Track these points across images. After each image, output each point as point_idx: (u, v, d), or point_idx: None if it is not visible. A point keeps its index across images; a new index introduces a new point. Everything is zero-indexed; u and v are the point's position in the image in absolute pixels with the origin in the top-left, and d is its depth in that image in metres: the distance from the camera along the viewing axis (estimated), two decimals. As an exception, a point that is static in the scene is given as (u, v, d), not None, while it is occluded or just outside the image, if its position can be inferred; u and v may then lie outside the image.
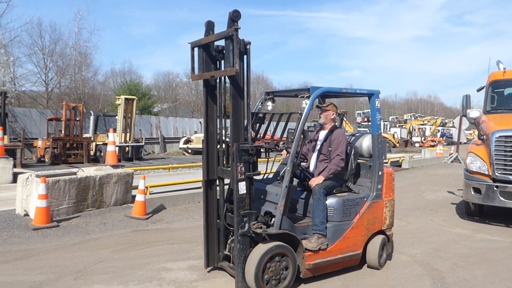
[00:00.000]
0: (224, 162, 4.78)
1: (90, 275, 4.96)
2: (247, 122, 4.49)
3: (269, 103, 5.55)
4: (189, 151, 25.96)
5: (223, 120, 4.81)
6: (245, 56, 4.39)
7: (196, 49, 4.67)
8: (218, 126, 4.83)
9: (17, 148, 15.67)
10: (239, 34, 4.11)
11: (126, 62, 60.59)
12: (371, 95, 5.24)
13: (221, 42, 4.53)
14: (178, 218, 8.20)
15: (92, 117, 20.54)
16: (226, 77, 4.55)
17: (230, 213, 4.72)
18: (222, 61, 4.71)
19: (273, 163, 5.18)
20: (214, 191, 4.94)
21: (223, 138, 4.82)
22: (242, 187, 4.31)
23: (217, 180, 4.91)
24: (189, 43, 4.67)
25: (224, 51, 4.54)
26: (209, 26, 4.59)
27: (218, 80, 4.77)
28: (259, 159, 4.58)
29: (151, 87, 45.64)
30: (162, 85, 52.90)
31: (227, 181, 4.79)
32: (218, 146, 4.84)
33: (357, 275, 5.10)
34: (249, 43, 4.36)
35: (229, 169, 4.51)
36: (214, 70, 4.72)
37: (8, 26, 28.33)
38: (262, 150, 4.73)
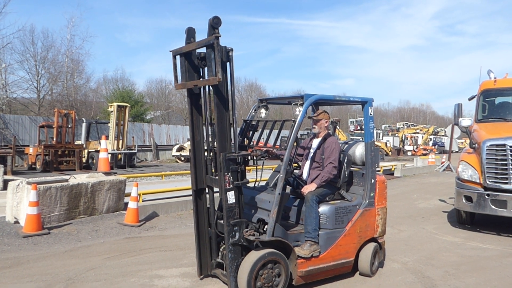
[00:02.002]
0: (213, 170, 4.70)
1: (81, 282, 4.91)
2: (233, 130, 4.41)
3: (263, 111, 5.55)
4: (182, 158, 25.90)
5: (209, 128, 4.71)
6: (228, 64, 4.27)
7: (178, 57, 4.53)
8: (204, 135, 4.74)
9: (8, 155, 15.55)
10: (220, 41, 3.97)
11: (118, 69, 60.67)
12: (364, 103, 5.27)
13: (204, 49, 4.39)
14: (171, 225, 8.17)
15: (84, 124, 20.45)
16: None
17: (221, 221, 4.69)
18: (206, 68, 4.55)
19: (262, 170, 5.14)
20: (203, 200, 4.90)
21: (210, 146, 4.73)
22: (231, 197, 4.27)
23: (206, 189, 4.87)
24: (170, 51, 4.51)
25: (206, 58, 4.40)
26: (190, 33, 4.42)
27: (202, 89, 4.65)
28: (252, 167, 4.56)
29: (144, 94, 45.65)
30: (155, 93, 52.98)
31: (216, 189, 4.74)
32: (206, 155, 4.77)
33: (349, 283, 5.10)
34: (231, 49, 4.25)
35: (217, 178, 4.43)
36: (198, 78, 4.59)
37: (0, 33, 28.22)
38: (249, 158, 4.70)
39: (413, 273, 5.53)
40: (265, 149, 5.04)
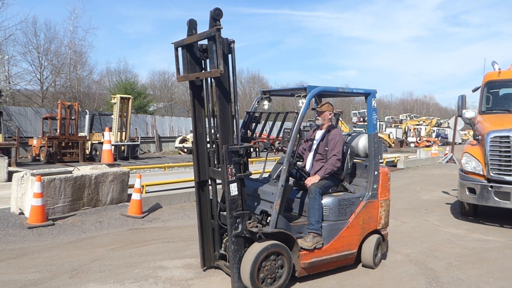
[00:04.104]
0: (215, 162, 4.71)
1: (86, 273, 4.95)
2: (236, 122, 4.41)
3: (266, 102, 5.53)
4: (185, 150, 25.95)
5: (211, 120, 4.70)
6: (229, 56, 4.24)
7: (179, 49, 4.50)
8: (207, 127, 4.74)
9: (12, 147, 15.61)
10: (221, 33, 3.95)
11: (121, 61, 60.40)
12: (367, 94, 5.25)
13: (205, 41, 4.37)
14: (174, 216, 8.20)
15: (87, 116, 20.49)
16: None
17: (223, 212, 4.70)
18: (207, 61, 4.53)
19: (265, 162, 5.18)
20: (206, 192, 4.91)
21: (213, 138, 4.73)
22: (234, 189, 4.28)
23: (209, 181, 4.88)
24: (172, 43, 4.49)
25: (208, 50, 4.38)
26: (191, 25, 4.38)
27: (204, 81, 4.63)
28: (256, 159, 4.57)
29: (147, 86, 45.62)
30: (158, 84, 52.82)
31: (219, 180, 4.76)
32: (209, 146, 4.77)
33: (352, 274, 5.12)
34: (233, 41, 4.21)
35: (220, 170, 4.44)
36: (200, 70, 4.57)
37: (2, 25, 28.27)
38: (252, 150, 4.70)
39: (416, 265, 5.55)
40: (279, 145, 4.99)
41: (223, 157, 4.22)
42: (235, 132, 4.41)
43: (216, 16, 3.97)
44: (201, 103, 4.71)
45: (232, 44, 4.22)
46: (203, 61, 4.58)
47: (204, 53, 4.51)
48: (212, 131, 4.71)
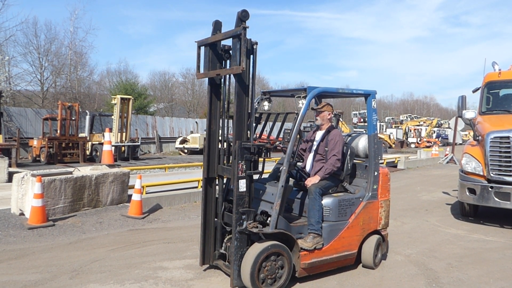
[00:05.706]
0: (225, 161, 4.82)
1: (86, 274, 4.95)
2: (250, 121, 4.52)
3: (266, 103, 5.54)
4: (185, 151, 25.93)
5: (225, 119, 4.87)
6: (251, 56, 4.42)
7: (202, 48, 4.74)
8: (220, 125, 4.89)
9: (12, 148, 15.58)
10: (246, 33, 4.16)
11: (121, 62, 60.17)
12: (367, 95, 5.26)
13: (228, 42, 4.61)
14: (174, 217, 8.20)
15: (88, 117, 20.49)
16: (232, 76, 4.60)
17: (228, 212, 4.74)
18: (228, 61, 4.78)
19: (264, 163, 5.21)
20: (213, 189, 4.98)
21: (225, 137, 4.87)
22: (242, 185, 4.34)
23: (217, 179, 4.94)
24: (195, 41, 4.75)
25: (230, 51, 4.63)
26: (217, 25, 4.68)
27: (222, 79, 4.84)
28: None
29: (147, 87, 45.62)
30: (158, 85, 52.86)
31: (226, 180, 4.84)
32: (220, 145, 4.89)
33: (352, 275, 5.12)
34: (256, 43, 4.40)
35: (230, 167, 4.54)
36: (220, 69, 4.77)
37: (3, 26, 28.24)
38: (264, 149, 4.75)
39: (416, 265, 5.55)
40: (272, 142, 5.04)
41: (235, 153, 4.30)
42: (249, 130, 4.52)
43: (243, 17, 4.20)
44: (217, 101, 4.89)
45: (255, 46, 4.42)
46: (223, 60, 4.83)
47: (226, 53, 4.79)
48: (225, 131, 4.87)
